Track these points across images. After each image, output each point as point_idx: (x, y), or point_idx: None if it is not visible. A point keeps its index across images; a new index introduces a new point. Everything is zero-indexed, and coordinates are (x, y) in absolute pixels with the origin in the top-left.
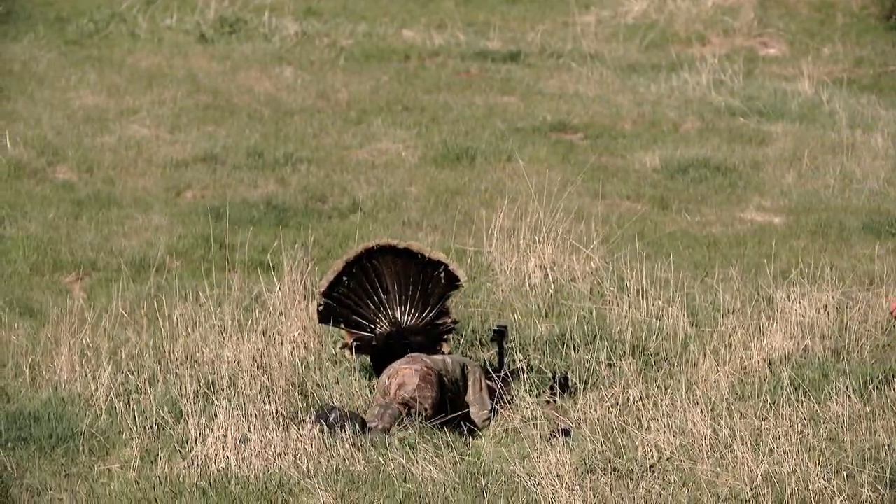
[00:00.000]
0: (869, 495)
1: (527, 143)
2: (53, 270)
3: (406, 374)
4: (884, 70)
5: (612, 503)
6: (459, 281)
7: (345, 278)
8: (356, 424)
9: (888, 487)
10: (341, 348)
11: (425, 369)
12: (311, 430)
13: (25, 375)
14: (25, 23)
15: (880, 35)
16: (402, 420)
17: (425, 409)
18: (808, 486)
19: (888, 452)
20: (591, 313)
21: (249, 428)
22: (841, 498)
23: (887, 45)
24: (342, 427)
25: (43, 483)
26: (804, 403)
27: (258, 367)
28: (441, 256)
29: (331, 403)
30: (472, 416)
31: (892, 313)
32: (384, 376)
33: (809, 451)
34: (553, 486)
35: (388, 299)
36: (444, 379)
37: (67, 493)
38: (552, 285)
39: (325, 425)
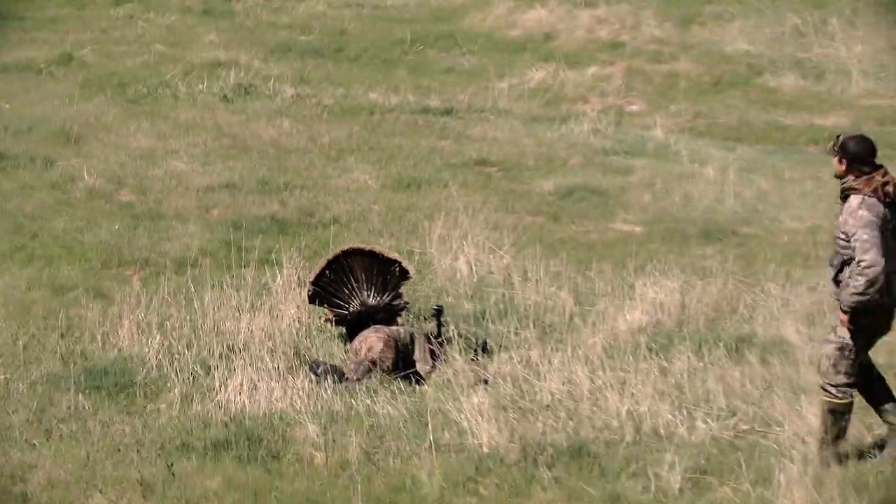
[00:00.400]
0: (701, 425)
1: (457, 174)
2: (118, 266)
3: (373, 340)
4: (713, 121)
5: (518, 432)
6: (409, 273)
7: (327, 272)
8: (336, 375)
9: (715, 420)
10: (325, 321)
11: (387, 337)
12: (303, 380)
13: (98, 341)
14: (97, 87)
15: (711, 96)
16: (370, 373)
17: (387, 366)
18: (658, 419)
19: (715, 395)
20: (504, 296)
21: (259, 379)
22: (682, 427)
23: (716, 103)
24: (327, 377)
25: (111, 418)
26: (656, 361)
27: (265, 335)
28: (396, 256)
29: (319, 360)
30: (419, 370)
31: None
32: (356, 341)
33: (660, 395)
34: (476, 419)
35: (358, 286)
36: (399, 343)
37: (128, 425)
38: (475, 276)
39: (315, 375)
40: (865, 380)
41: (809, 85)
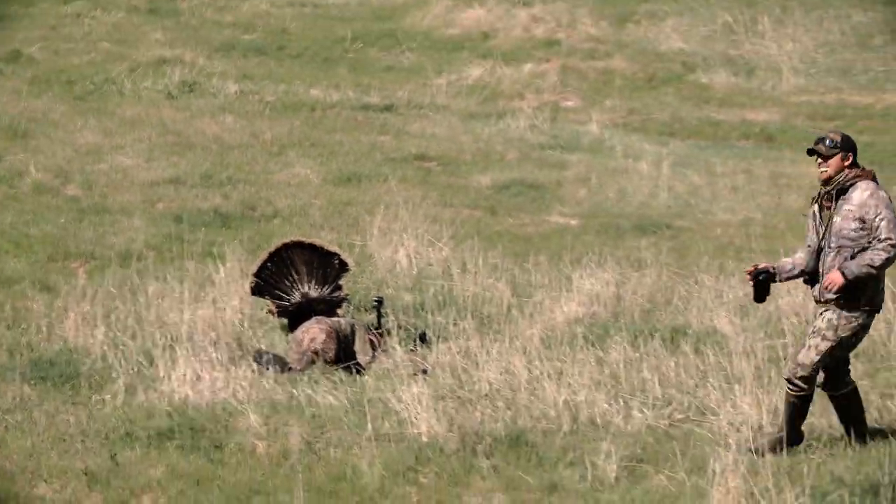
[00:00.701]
0: (637, 414)
1: (397, 169)
2: (64, 259)
3: (315, 331)
4: (647, 117)
5: (456, 422)
6: (349, 266)
7: (269, 264)
8: (280, 366)
9: (650, 410)
10: (267, 313)
11: (329, 328)
12: (245, 371)
13: (43, 333)
14: (45, 84)
15: (645, 93)
16: (313, 364)
17: (330, 357)
18: (595, 409)
19: (651, 385)
20: (443, 288)
21: (202, 370)
22: (618, 417)
23: (650, 100)
24: (270, 366)
25: (56, 409)
26: (592, 351)
27: (208, 327)
28: (336, 249)
29: (263, 350)
30: (359, 361)
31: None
32: (298, 332)
33: (597, 384)
34: (416, 409)
35: (300, 279)
36: (341, 335)
37: (73, 415)
38: (415, 268)
39: (258, 364)
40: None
41: (741, 82)
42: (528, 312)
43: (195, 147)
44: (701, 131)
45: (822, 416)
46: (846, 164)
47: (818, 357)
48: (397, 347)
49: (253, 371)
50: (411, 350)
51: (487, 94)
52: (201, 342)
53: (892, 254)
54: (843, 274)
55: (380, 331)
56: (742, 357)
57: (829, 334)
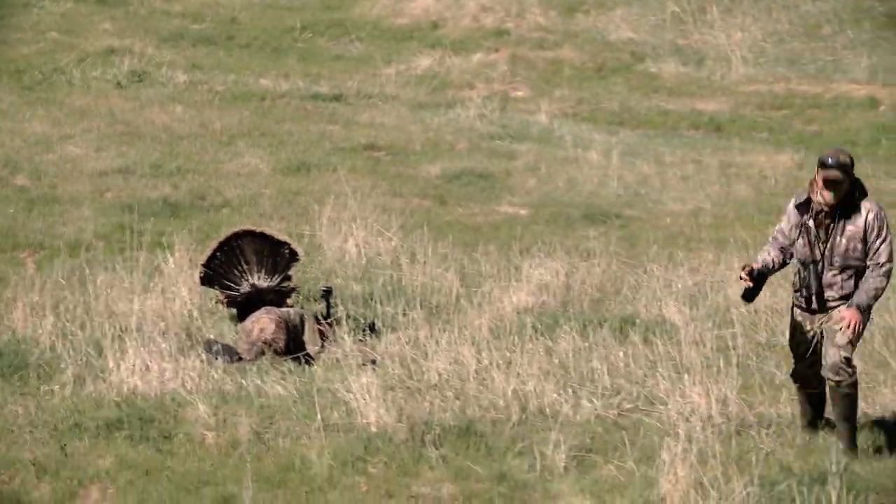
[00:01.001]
0: (586, 404)
1: (346, 159)
2: (13, 249)
3: (265, 321)
4: (597, 107)
5: (405, 412)
6: (298, 256)
7: (218, 254)
8: (229, 356)
9: (599, 399)
10: (216, 303)
11: (278, 318)
12: (194, 361)
13: None
14: None
15: (595, 83)
16: (263, 354)
17: (280, 347)
18: (544, 399)
19: (600, 375)
20: (392, 278)
21: (151, 360)
22: (567, 406)
23: (599, 89)
24: (220, 356)
25: (4, 399)
26: (542, 341)
27: (157, 317)
28: (286, 238)
29: (213, 339)
30: (308, 351)
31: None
32: (248, 322)
33: (546, 374)
34: (364, 399)
35: (249, 268)
36: (290, 325)
37: (21, 406)
38: (364, 258)
39: (209, 354)
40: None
41: (690, 71)
42: (476, 302)
43: (144, 137)
44: (650, 121)
45: (770, 405)
46: (849, 185)
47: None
48: (346, 337)
49: (202, 361)
50: (360, 340)
51: (436, 84)
52: (150, 333)
53: (889, 279)
54: (858, 310)
55: (329, 321)
56: (691, 346)
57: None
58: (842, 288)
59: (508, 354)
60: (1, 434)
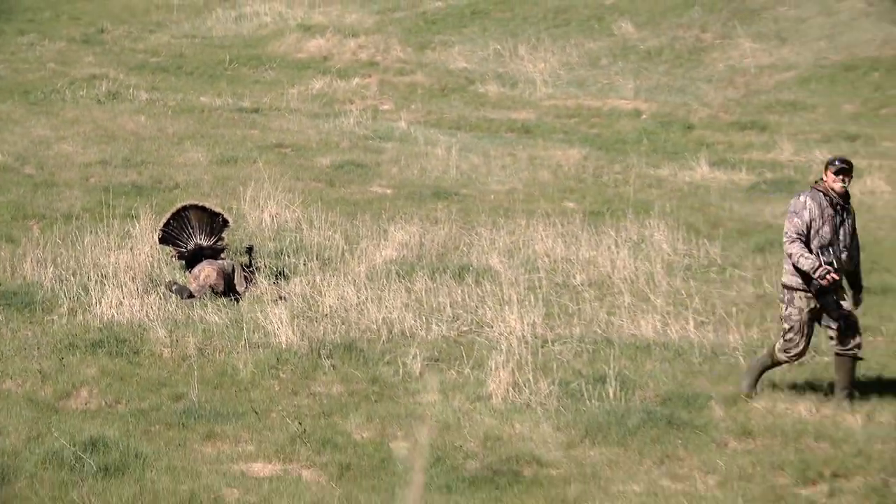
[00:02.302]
0: (435, 328)
1: (263, 154)
2: (23, 218)
3: (209, 270)
4: (441, 116)
5: (306, 334)
6: (229, 223)
7: (172, 221)
8: (182, 293)
9: (444, 324)
10: (171, 256)
11: (218, 268)
12: (154, 298)
13: (8, 272)
14: (7, 93)
15: (440, 99)
16: (207, 293)
17: (220, 290)
18: (405, 323)
19: (444, 307)
20: (296, 238)
21: (123, 297)
22: (422, 330)
23: (443, 104)
24: (181, 292)
25: (17, 326)
26: (403, 283)
27: (128, 267)
28: (220, 210)
29: (174, 281)
30: (238, 291)
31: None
32: (195, 270)
33: (406, 306)
34: (277, 325)
35: (194, 232)
36: (225, 273)
37: (31, 331)
38: (275, 224)
39: (172, 291)
40: None
41: (507, 91)
42: (356, 255)
43: (118, 139)
44: (479, 126)
45: (566, 328)
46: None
47: None
48: (263, 281)
49: (160, 298)
50: (273, 283)
51: (326, 100)
52: (123, 278)
53: None
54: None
55: (251, 269)
56: (509, 286)
57: None
58: (846, 265)
59: (379, 292)
60: (16, 351)
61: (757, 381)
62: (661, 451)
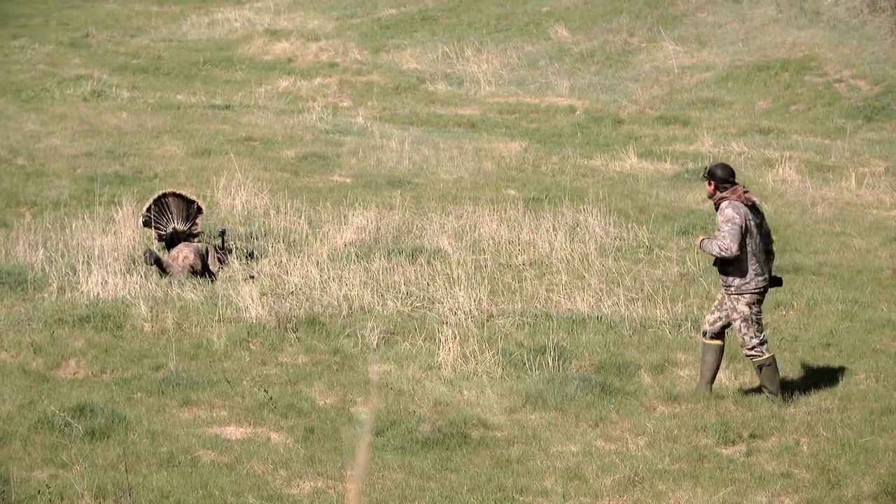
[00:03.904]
0: (390, 304)
1: (234, 147)
2: (16, 205)
3: (187, 252)
4: (394, 113)
5: (274, 309)
6: (203, 210)
7: (153, 206)
8: (158, 264)
9: (399, 301)
10: (153, 239)
11: (196, 250)
12: (136, 277)
13: (2, 253)
14: (1, 92)
15: (394, 97)
16: (186, 273)
17: (198, 270)
18: (363, 300)
19: (399, 284)
20: (264, 223)
21: (108, 277)
22: (378, 305)
23: (396, 101)
24: (153, 261)
25: (11, 303)
26: (362, 263)
27: (112, 249)
28: (195, 197)
29: (150, 249)
30: (212, 271)
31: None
32: (174, 251)
33: (364, 284)
34: (248, 301)
35: (172, 216)
36: (202, 254)
37: (23, 307)
38: (246, 210)
39: (146, 258)
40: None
41: (454, 89)
42: (319, 238)
43: (102, 133)
44: (429, 121)
45: (508, 304)
46: (712, 189)
47: None
48: (235, 262)
49: (142, 277)
50: (244, 263)
51: (291, 98)
52: (107, 259)
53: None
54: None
55: (224, 251)
56: (458, 266)
57: None
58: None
59: (340, 272)
60: (10, 325)
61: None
62: (596, 415)
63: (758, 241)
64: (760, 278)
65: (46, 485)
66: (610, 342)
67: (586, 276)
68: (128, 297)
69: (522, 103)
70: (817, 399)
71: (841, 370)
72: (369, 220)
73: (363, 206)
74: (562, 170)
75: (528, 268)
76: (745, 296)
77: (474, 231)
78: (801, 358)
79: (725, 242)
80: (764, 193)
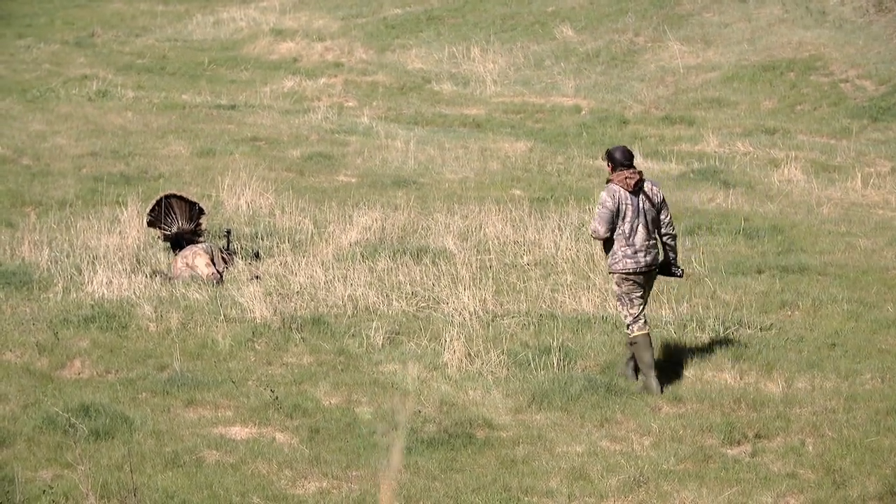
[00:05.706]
0: (395, 304)
1: (239, 146)
2: (21, 205)
3: (200, 252)
4: (400, 113)
5: (279, 309)
6: (205, 211)
7: (157, 207)
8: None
9: (404, 300)
10: (156, 238)
11: (202, 250)
12: (141, 277)
13: (8, 253)
14: (7, 91)
15: (399, 97)
16: (212, 283)
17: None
18: (368, 300)
19: (404, 284)
20: (269, 223)
21: (113, 277)
22: (383, 305)
23: (402, 101)
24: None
25: (17, 303)
26: (367, 263)
27: (118, 249)
28: (196, 200)
29: (158, 270)
30: (217, 271)
31: None
32: (183, 253)
33: (369, 284)
34: (253, 301)
35: (176, 217)
36: (211, 256)
37: (29, 307)
38: (251, 210)
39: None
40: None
41: (460, 89)
42: (324, 238)
43: (107, 132)
44: (434, 121)
45: (514, 304)
46: (610, 169)
47: None
48: (240, 262)
49: (146, 277)
50: (249, 263)
51: (296, 98)
52: (112, 259)
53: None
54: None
55: (229, 251)
56: (463, 266)
57: None
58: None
59: (345, 272)
60: (15, 325)
61: None
62: (601, 415)
63: (635, 224)
64: (630, 260)
65: (50, 485)
66: (615, 342)
67: (591, 276)
68: (133, 297)
69: (528, 103)
70: (823, 399)
71: (846, 370)
72: (374, 220)
73: (368, 206)
74: (567, 170)
75: (533, 268)
76: (613, 275)
77: (479, 231)
78: (806, 358)
79: (593, 224)
80: (769, 193)
